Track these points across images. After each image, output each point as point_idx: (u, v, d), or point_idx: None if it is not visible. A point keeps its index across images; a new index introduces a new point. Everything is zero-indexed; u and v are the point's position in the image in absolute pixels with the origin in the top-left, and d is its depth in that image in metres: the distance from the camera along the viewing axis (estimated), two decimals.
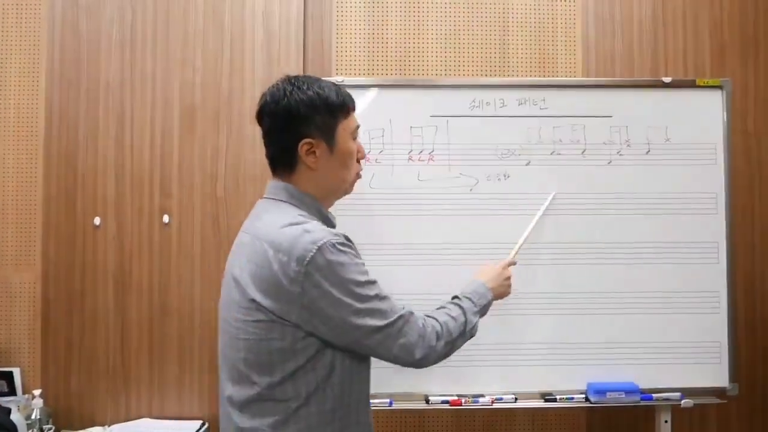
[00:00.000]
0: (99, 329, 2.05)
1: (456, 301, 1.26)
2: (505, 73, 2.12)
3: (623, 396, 1.79)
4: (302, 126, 1.12)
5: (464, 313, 1.21)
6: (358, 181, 1.24)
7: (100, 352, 2.05)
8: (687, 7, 2.16)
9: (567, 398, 1.81)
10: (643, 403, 1.80)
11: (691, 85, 1.91)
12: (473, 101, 1.85)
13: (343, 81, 1.83)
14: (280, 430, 1.03)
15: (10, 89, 2.08)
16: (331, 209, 1.22)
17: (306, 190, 1.14)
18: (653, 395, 1.81)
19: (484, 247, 1.80)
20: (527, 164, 1.85)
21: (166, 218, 2.07)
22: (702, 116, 1.88)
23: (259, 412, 1.04)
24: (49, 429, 1.92)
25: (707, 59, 2.15)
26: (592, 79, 2.07)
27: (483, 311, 1.29)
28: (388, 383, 1.70)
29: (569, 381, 1.82)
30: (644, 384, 1.81)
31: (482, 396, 1.79)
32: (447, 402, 1.78)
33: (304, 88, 1.13)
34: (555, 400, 1.80)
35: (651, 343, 1.83)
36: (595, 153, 1.86)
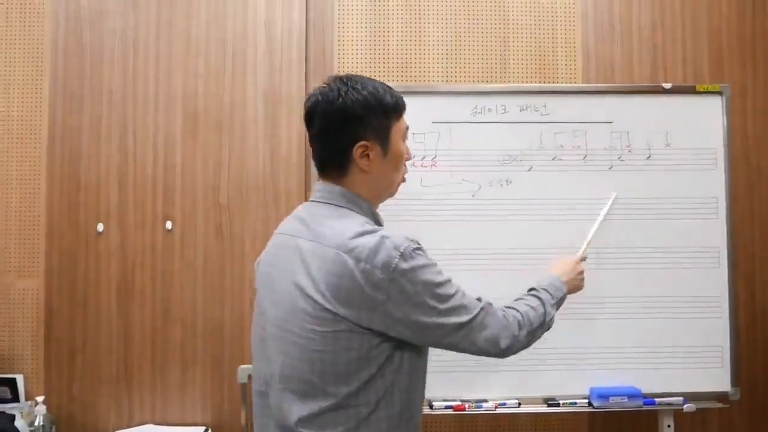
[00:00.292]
0: (102, 336, 2.06)
1: (534, 292, 1.25)
2: (506, 79, 2.14)
3: (626, 401, 1.79)
4: (358, 127, 1.08)
5: (543, 304, 1.21)
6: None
7: (103, 359, 2.05)
8: (686, 13, 2.18)
9: (570, 403, 1.81)
10: (645, 407, 1.81)
11: (691, 90, 1.92)
12: (475, 107, 1.86)
13: None
14: None
15: (14, 99, 2.10)
16: None
17: (359, 194, 1.11)
18: (656, 400, 1.82)
19: (486, 252, 1.81)
20: (529, 170, 1.86)
21: (169, 225, 2.08)
22: (702, 121, 1.89)
23: (330, 422, 1.02)
24: None
25: (706, 65, 2.17)
26: (593, 86, 2.09)
27: (559, 304, 1.28)
28: None
29: (572, 386, 1.82)
30: (647, 388, 1.81)
31: (486, 401, 1.80)
32: (450, 407, 1.78)
33: (359, 87, 1.09)
34: (558, 405, 1.81)
35: (653, 347, 1.84)
36: (596, 158, 1.87)
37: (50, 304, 2.06)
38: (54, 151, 2.09)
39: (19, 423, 1.83)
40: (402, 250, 1.00)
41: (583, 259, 1.52)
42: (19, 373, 2.01)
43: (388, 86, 1.13)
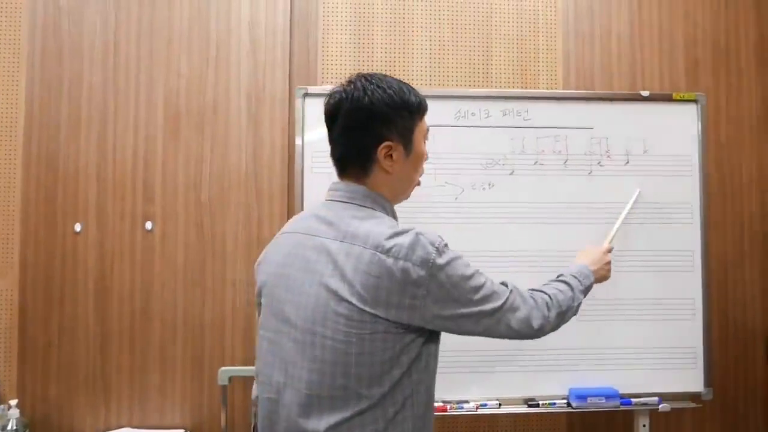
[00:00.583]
0: (78, 337, 2.02)
1: (561, 278, 1.27)
2: (489, 84, 2.17)
3: (603, 401, 1.83)
4: (383, 127, 1.06)
5: (572, 289, 1.23)
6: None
7: (79, 361, 2.01)
8: (662, 23, 2.24)
9: (549, 403, 1.84)
10: (622, 407, 1.85)
11: (668, 99, 1.98)
12: (458, 111, 1.88)
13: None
14: None
15: None
16: None
17: (381, 193, 1.10)
18: (632, 400, 1.86)
19: (469, 254, 1.79)
20: (511, 173, 1.89)
21: (149, 225, 2.05)
22: (678, 129, 1.95)
23: (358, 425, 1.00)
24: None
25: (682, 73, 2.23)
26: (574, 92, 2.13)
27: (586, 291, 1.29)
28: None
29: (551, 386, 1.85)
30: (623, 389, 1.85)
31: (467, 402, 1.82)
32: None
33: (385, 86, 1.07)
34: (538, 406, 1.84)
35: (630, 349, 1.88)
36: (576, 163, 1.91)
37: (24, 304, 2.01)
38: (30, 146, 2.04)
39: None
40: (437, 246, 1.01)
41: (609, 250, 1.53)
42: None
43: (410, 85, 1.12)
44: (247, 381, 2.03)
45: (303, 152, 1.87)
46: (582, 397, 1.82)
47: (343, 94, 1.08)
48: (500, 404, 1.83)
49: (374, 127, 1.06)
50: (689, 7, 2.24)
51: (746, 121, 2.24)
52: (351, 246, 1.01)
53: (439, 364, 1.20)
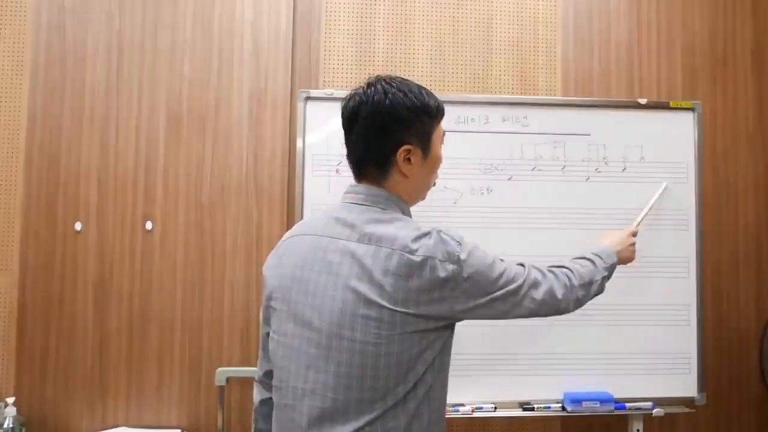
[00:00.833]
0: (77, 336, 2.02)
1: (583, 255, 1.29)
2: (488, 90, 2.19)
3: (598, 405, 1.85)
4: (403, 131, 1.07)
5: (594, 265, 1.25)
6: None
7: (77, 360, 2.02)
8: (661, 31, 2.26)
9: (544, 407, 1.86)
10: (616, 412, 1.87)
11: (665, 106, 2.00)
12: (458, 117, 1.90)
13: (332, 94, 1.87)
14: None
15: None
16: None
17: (400, 196, 1.11)
18: (626, 404, 1.87)
19: None
20: (509, 179, 1.91)
21: (149, 225, 2.06)
22: (675, 137, 1.97)
23: (380, 426, 1.00)
24: None
25: (679, 81, 2.25)
26: (573, 99, 2.15)
27: (610, 270, 1.30)
28: None
29: (546, 390, 1.87)
30: (618, 393, 1.87)
31: (462, 405, 1.83)
32: None
33: (406, 90, 1.07)
34: (533, 409, 1.85)
35: (624, 353, 1.90)
36: (574, 169, 1.93)
37: (23, 303, 2.01)
38: (32, 145, 2.05)
39: None
40: (459, 240, 1.04)
41: (635, 234, 1.55)
42: None
43: (428, 89, 1.12)
44: (244, 382, 2.04)
45: (303, 155, 1.88)
46: (577, 401, 1.84)
47: (363, 97, 1.07)
48: (495, 407, 1.84)
49: (394, 131, 1.07)
50: (687, 15, 2.27)
51: (742, 129, 2.26)
52: (378, 248, 1.01)
53: None
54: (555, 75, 2.22)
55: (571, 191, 1.92)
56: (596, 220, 1.90)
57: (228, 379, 2.00)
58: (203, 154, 2.10)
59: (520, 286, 1.09)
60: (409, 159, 1.08)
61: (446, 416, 1.00)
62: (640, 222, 1.73)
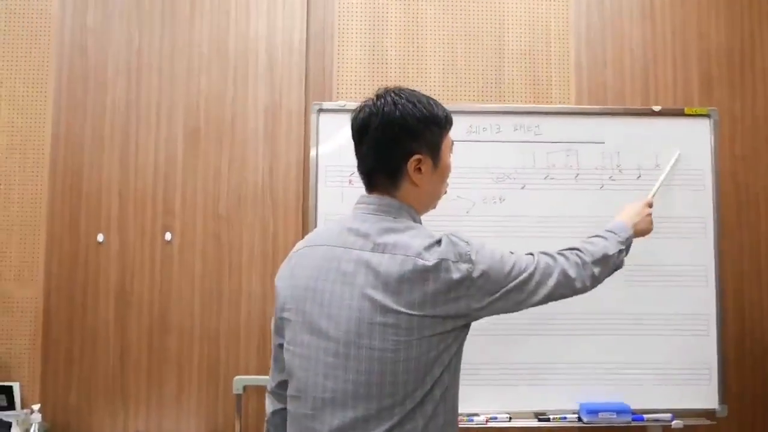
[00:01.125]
0: (99, 345, 2.08)
1: (594, 234, 1.31)
2: (501, 99, 2.19)
3: (615, 417, 1.82)
4: (413, 141, 1.08)
5: (605, 240, 1.27)
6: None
7: (99, 368, 2.07)
8: (676, 37, 2.24)
9: (560, 418, 1.84)
10: (634, 423, 1.84)
11: (680, 113, 1.98)
12: (470, 126, 1.91)
13: (345, 105, 1.90)
14: None
15: (18, 108, 2.13)
16: None
17: (412, 205, 1.12)
18: (644, 416, 1.84)
19: None
20: (522, 188, 1.91)
21: (168, 236, 2.11)
22: (690, 143, 1.94)
23: (398, 428, 1.01)
24: None
25: (695, 88, 2.23)
26: (586, 107, 2.14)
27: (626, 243, 1.32)
28: None
29: (562, 401, 1.85)
30: (635, 405, 1.84)
31: (477, 415, 1.82)
32: None
33: (415, 101, 1.09)
34: (548, 420, 1.84)
35: (643, 364, 1.87)
36: (587, 178, 1.92)
37: (48, 312, 2.08)
38: (56, 160, 2.12)
39: (14, 431, 1.84)
40: (467, 240, 1.07)
41: (650, 204, 1.55)
42: (16, 380, 2.03)
43: (436, 100, 1.14)
44: (261, 390, 2.06)
45: (317, 166, 1.91)
46: (593, 412, 1.82)
47: (373, 109, 1.09)
48: (510, 418, 1.83)
49: (404, 141, 1.08)
50: (703, 22, 2.24)
51: (762, 134, 2.22)
52: (392, 256, 1.03)
53: None
54: (568, 84, 2.21)
55: (584, 199, 1.90)
56: None
57: (245, 388, 2.03)
58: (220, 166, 2.14)
59: (531, 274, 1.11)
60: (419, 168, 1.09)
61: (460, 426, 1.02)
62: (655, 192, 1.74)
